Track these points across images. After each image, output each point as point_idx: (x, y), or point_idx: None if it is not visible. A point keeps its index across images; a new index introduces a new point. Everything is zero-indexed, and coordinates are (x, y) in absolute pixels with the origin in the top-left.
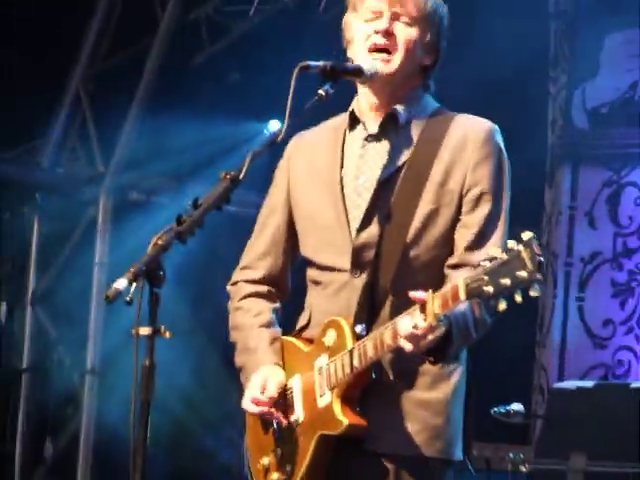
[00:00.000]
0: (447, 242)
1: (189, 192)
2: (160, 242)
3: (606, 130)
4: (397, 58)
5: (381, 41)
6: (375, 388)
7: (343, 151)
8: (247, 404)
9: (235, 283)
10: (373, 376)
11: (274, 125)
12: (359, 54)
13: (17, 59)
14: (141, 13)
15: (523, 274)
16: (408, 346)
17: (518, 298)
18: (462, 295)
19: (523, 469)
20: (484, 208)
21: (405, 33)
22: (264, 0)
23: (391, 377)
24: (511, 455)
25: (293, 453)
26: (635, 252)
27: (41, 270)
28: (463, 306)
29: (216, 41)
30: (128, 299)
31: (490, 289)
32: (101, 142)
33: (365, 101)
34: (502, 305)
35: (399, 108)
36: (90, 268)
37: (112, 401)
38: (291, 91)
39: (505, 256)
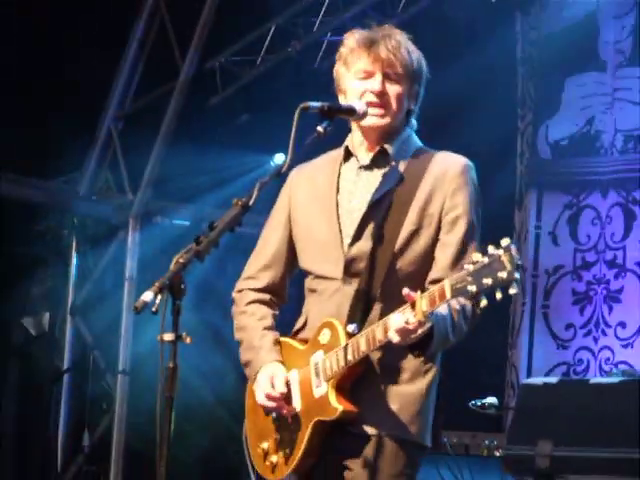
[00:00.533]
0: (427, 258)
1: (206, 214)
2: (181, 260)
3: (567, 160)
4: (390, 113)
5: (375, 100)
6: (362, 381)
7: (339, 179)
8: (262, 399)
9: (240, 291)
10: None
11: (279, 157)
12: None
13: (57, 103)
14: (164, 62)
15: (503, 274)
16: (397, 338)
17: (499, 295)
18: (448, 294)
19: (497, 454)
20: (460, 229)
21: (395, 91)
22: (269, 51)
23: (377, 372)
24: (486, 442)
25: (291, 438)
26: (592, 265)
27: (79, 284)
28: (444, 311)
29: (228, 86)
30: (154, 309)
31: (473, 288)
32: (130, 173)
33: (358, 139)
34: (484, 302)
35: (387, 147)
36: (121, 282)
37: (141, 398)
38: (293, 128)
39: (486, 259)
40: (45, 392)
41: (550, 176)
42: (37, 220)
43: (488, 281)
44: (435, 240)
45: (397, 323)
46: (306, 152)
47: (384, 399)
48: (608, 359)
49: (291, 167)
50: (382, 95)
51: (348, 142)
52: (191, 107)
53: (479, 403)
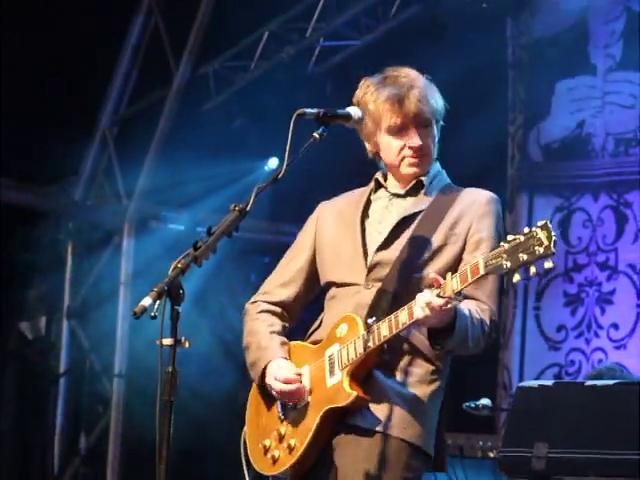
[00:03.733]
0: (449, 272)
1: (201, 219)
2: (179, 265)
3: (558, 163)
4: (427, 162)
5: (415, 154)
6: (370, 380)
7: (368, 205)
8: (281, 387)
9: (254, 302)
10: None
11: (273, 162)
12: (394, 164)
13: (52, 110)
14: (158, 68)
15: (540, 249)
16: (422, 313)
17: (533, 269)
18: (482, 269)
19: (491, 455)
20: (483, 250)
21: (430, 140)
22: (263, 56)
23: (384, 371)
24: (480, 443)
25: (297, 429)
26: (584, 267)
27: (75, 288)
28: (467, 312)
29: (222, 91)
30: (153, 314)
31: (508, 264)
32: (124, 178)
33: (392, 180)
34: (517, 277)
35: (423, 179)
36: (117, 287)
37: (136, 401)
38: (290, 134)
39: (522, 237)
40: (42, 395)
41: (541, 179)
42: (33, 225)
43: (524, 256)
44: (459, 258)
45: (424, 298)
46: (302, 158)
47: (388, 399)
48: (600, 360)
49: (289, 174)
50: (421, 148)
51: (378, 176)
52: (185, 112)
53: (473, 405)
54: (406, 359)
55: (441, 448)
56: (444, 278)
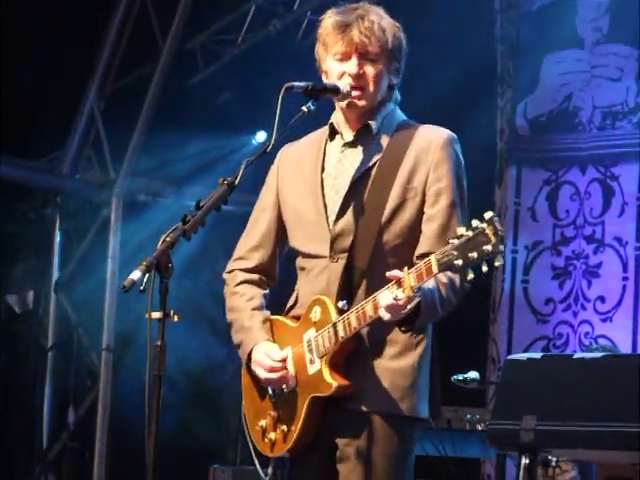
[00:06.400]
0: (412, 230)
1: (188, 194)
2: (168, 239)
3: (545, 136)
4: (367, 94)
5: (353, 82)
6: (353, 357)
7: (324, 158)
8: (265, 374)
9: (231, 271)
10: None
11: (261, 136)
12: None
13: (39, 84)
14: (145, 42)
15: (488, 247)
16: (387, 316)
17: (485, 268)
18: (435, 268)
19: (479, 428)
20: (444, 201)
21: (372, 72)
22: (250, 30)
23: (367, 346)
24: (468, 416)
25: (288, 415)
26: (571, 240)
27: (63, 262)
28: (431, 284)
29: (209, 65)
30: (142, 288)
31: (459, 262)
32: (112, 152)
33: (342, 116)
34: (470, 275)
35: (371, 122)
36: (104, 260)
37: (124, 375)
38: (278, 108)
39: (470, 233)
40: (29, 369)
41: (529, 152)
42: (21, 199)
43: (474, 255)
44: (420, 213)
45: (386, 300)
46: (290, 131)
47: (375, 375)
48: (587, 333)
49: (276, 146)
50: (359, 77)
51: (332, 120)
52: (173, 86)
53: (461, 377)
54: (386, 329)
55: (436, 401)
56: (409, 238)
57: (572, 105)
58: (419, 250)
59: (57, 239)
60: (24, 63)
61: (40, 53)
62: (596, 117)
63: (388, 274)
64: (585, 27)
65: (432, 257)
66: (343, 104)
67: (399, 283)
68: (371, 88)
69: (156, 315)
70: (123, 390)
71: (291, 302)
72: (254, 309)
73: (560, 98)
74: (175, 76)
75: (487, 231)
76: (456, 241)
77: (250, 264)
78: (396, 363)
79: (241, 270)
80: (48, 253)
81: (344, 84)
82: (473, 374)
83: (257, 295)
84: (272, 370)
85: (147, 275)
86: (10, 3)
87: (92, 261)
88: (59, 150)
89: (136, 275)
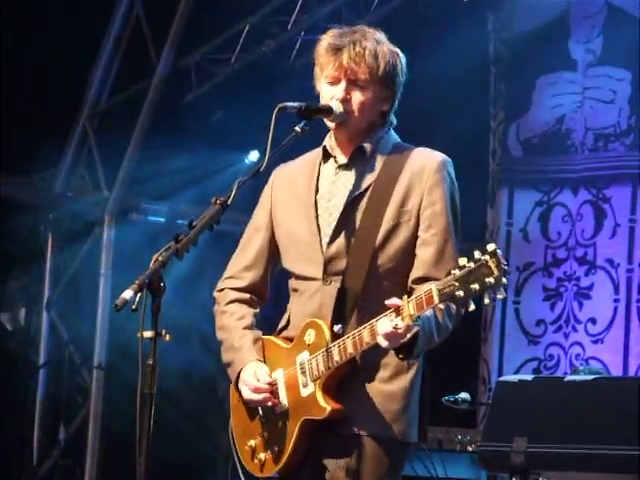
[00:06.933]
0: (406, 254)
1: (180, 211)
2: (160, 258)
3: (538, 158)
4: (351, 119)
5: (340, 107)
6: (345, 379)
7: (318, 179)
8: (249, 394)
9: (221, 290)
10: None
11: (253, 155)
12: None
13: (32, 101)
14: (139, 60)
15: (491, 279)
16: (386, 343)
17: (486, 300)
18: (436, 299)
19: (470, 448)
20: (439, 225)
21: (359, 98)
22: (244, 49)
23: (359, 370)
24: (459, 437)
25: (279, 436)
26: (563, 262)
27: (55, 279)
28: (428, 312)
29: (203, 84)
30: (134, 307)
31: (461, 293)
32: (105, 170)
33: (335, 139)
34: (472, 306)
35: (365, 145)
36: (97, 278)
37: (116, 392)
38: (271, 128)
39: (472, 265)
40: (21, 386)
41: (521, 174)
42: (13, 216)
43: (475, 286)
44: (414, 236)
45: (385, 328)
46: (284, 151)
47: (367, 398)
48: (578, 355)
49: (269, 166)
50: (345, 101)
51: (326, 143)
52: (166, 104)
53: (452, 398)
54: (380, 353)
55: (423, 425)
56: (403, 261)
57: (565, 127)
58: (415, 274)
59: (49, 256)
60: (18, 80)
61: (35, 70)
62: (588, 139)
63: (387, 302)
64: (578, 49)
65: (433, 287)
66: (333, 125)
67: (397, 311)
68: (356, 114)
69: (148, 334)
70: (115, 408)
71: (283, 323)
72: (245, 328)
73: (553, 120)
74: (169, 94)
75: (490, 263)
76: (457, 272)
77: (242, 284)
78: (388, 386)
79: (232, 289)
80: (40, 270)
81: (337, 105)
82: (464, 395)
83: (248, 314)
84: (256, 390)
85: (139, 294)
86: (2, 22)
87: (84, 278)
88: (52, 168)
89: (128, 294)
